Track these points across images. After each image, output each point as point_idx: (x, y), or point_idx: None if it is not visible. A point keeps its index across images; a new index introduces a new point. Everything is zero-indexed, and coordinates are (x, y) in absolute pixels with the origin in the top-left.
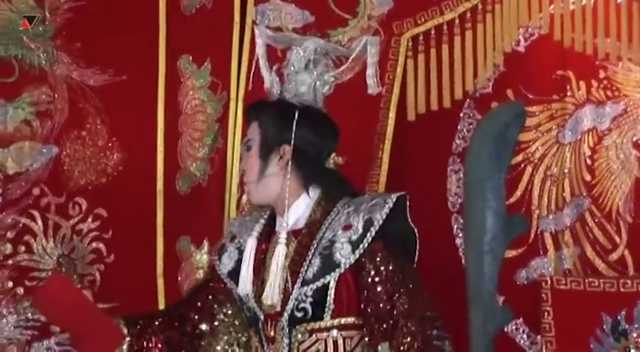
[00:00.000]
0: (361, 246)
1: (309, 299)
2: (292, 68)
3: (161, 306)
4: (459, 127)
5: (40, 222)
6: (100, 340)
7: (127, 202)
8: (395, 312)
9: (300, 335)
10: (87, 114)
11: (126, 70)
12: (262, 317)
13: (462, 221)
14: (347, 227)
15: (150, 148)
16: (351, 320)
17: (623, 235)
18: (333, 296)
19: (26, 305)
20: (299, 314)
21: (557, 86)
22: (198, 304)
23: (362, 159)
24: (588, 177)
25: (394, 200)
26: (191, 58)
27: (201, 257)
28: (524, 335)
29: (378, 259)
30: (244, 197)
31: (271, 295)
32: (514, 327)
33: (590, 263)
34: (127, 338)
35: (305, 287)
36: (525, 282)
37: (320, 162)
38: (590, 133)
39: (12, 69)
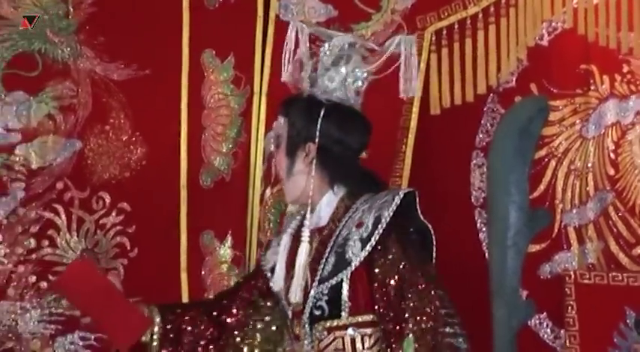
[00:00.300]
0: (369, 244)
1: (325, 298)
2: (322, 65)
3: (184, 301)
4: (482, 122)
5: (63, 216)
6: (124, 325)
7: (151, 196)
8: (406, 309)
9: (319, 334)
10: (110, 108)
11: (149, 64)
12: (290, 314)
13: (485, 215)
14: (359, 224)
15: (173, 143)
16: (368, 318)
17: None
18: (347, 294)
19: (50, 299)
20: (317, 312)
21: (580, 80)
22: (243, 295)
23: (385, 153)
24: (612, 172)
25: (401, 196)
26: (214, 52)
27: (225, 251)
28: (548, 330)
29: (389, 256)
30: (267, 191)
31: (295, 293)
32: (538, 321)
33: (614, 257)
34: (158, 325)
35: (322, 286)
36: (549, 277)
37: (346, 160)
38: (614, 127)
39: (35, 63)
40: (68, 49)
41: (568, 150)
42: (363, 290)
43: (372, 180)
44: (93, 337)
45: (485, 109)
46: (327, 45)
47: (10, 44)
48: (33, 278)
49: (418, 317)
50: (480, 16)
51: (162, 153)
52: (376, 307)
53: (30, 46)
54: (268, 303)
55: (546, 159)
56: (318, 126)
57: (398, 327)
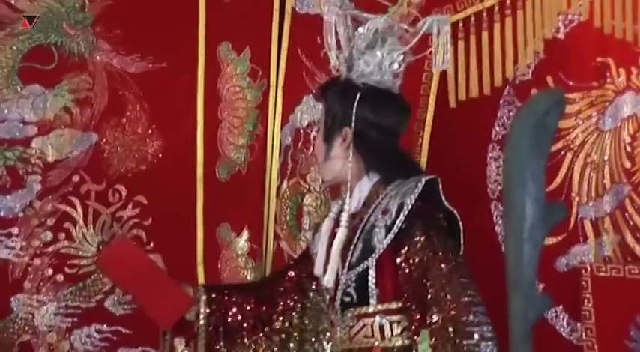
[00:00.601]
0: (392, 231)
1: (353, 285)
2: (357, 48)
3: None
4: (498, 114)
5: (80, 209)
6: (166, 303)
7: (167, 189)
8: (429, 297)
9: (349, 320)
10: (127, 101)
11: (166, 57)
12: (327, 299)
13: (501, 208)
14: (385, 212)
15: (189, 135)
16: (396, 305)
17: None
18: (374, 281)
19: (66, 292)
20: (347, 299)
21: (596, 73)
22: (291, 278)
23: (401, 145)
24: (628, 164)
25: (423, 183)
26: (231, 45)
27: (242, 244)
28: (564, 322)
29: (414, 243)
30: (284, 184)
31: (328, 279)
32: (554, 314)
33: (630, 250)
34: (203, 304)
35: (350, 272)
36: (565, 269)
37: (382, 145)
38: (630, 120)
39: (51, 56)
40: (84, 42)
41: (584, 142)
42: (389, 278)
43: (407, 165)
44: (109, 330)
45: (501, 102)
46: (361, 29)
47: (27, 37)
48: (49, 271)
49: (441, 306)
50: (497, 8)
51: (178, 146)
52: (402, 293)
53: (46, 39)
54: (314, 287)
55: (562, 152)
56: (354, 110)
57: (422, 316)
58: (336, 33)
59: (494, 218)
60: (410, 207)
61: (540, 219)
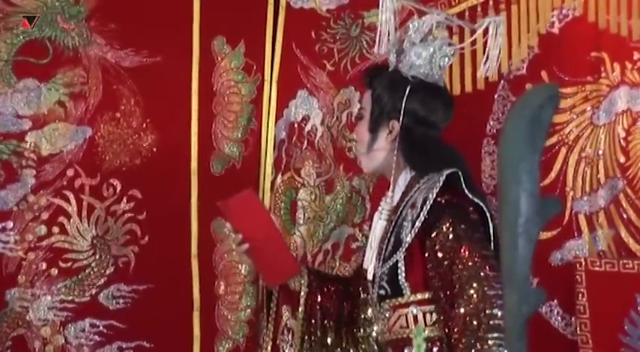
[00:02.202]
0: (415, 226)
1: (386, 278)
2: (409, 40)
3: (196, 288)
4: (493, 109)
5: (74, 203)
6: (277, 264)
7: (161, 183)
8: (455, 289)
9: (385, 312)
10: (121, 95)
11: (160, 51)
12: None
13: (496, 203)
14: (412, 205)
15: (184, 130)
16: (428, 295)
17: None
18: (404, 274)
19: (60, 286)
20: (381, 292)
21: (591, 68)
22: None
23: None
24: (622, 159)
25: (444, 177)
26: (225, 39)
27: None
28: (559, 317)
29: (441, 236)
30: (278, 178)
31: (369, 271)
32: (548, 309)
33: (625, 244)
34: (307, 277)
35: (384, 266)
36: (559, 264)
37: (426, 140)
38: (625, 115)
39: (46, 50)
40: (79, 36)
41: (579, 137)
42: (419, 270)
43: (443, 160)
44: (103, 324)
45: (496, 97)
46: (416, 22)
47: (21, 31)
48: (43, 265)
49: (465, 299)
50: (491, 3)
51: (172, 140)
52: (432, 286)
53: (40, 33)
54: None
55: (557, 147)
56: (403, 104)
57: (450, 308)
58: (388, 21)
59: None
60: (432, 200)
61: (535, 213)
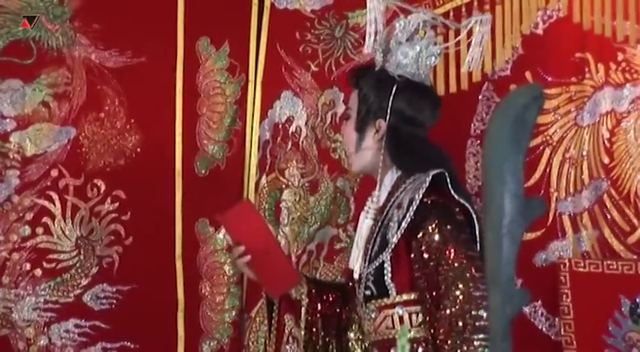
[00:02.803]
0: (401, 227)
1: (372, 278)
2: (396, 39)
3: (180, 288)
4: (477, 110)
5: (58, 203)
6: (277, 274)
7: (146, 184)
8: (441, 290)
9: (371, 312)
10: (105, 96)
11: (144, 51)
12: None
13: (480, 203)
14: (398, 206)
15: (168, 130)
16: (414, 296)
17: None
18: (390, 275)
19: (44, 286)
20: (367, 292)
21: (575, 68)
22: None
23: None
24: (607, 160)
25: (430, 177)
26: (209, 39)
27: (220, 239)
28: (543, 318)
29: (427, 237)
30: (263, 179)
31: (356, 272)
32: (532, 309)
33: (609, 245)
34: (307, 287)
35: (370, 266)
36: (544, 265)
37: (413, 140)
38: (609, 116)
39: (30, 51)
40: (63, 36)
41: (563, 138)
42: (405, 271)
43: (430, 159)
44: (87, 325)
45: (480, 97)
46: (402, 21)
47: (5, 31)
48: (27, 266)
49: (451, 300)
50: (476, 3)
51: (157, 140)
52: (418, 286)
53: (25, 33)
54: None
55: (541, 148)
56: (390, 103)
57: (435, 309)
58: (375, 21)
59: None
60: (418, 201)
61: (519, 214)
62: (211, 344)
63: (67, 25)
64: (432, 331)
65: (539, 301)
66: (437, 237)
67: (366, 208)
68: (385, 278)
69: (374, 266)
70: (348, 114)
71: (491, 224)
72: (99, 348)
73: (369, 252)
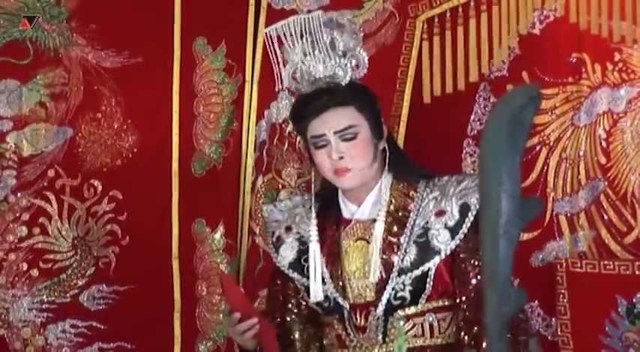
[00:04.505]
0: (461, 232)
1: (408, 288)
2: (339, 50)
3: (176, 289)
4: (474, 110)
5: (55, 204)
6: (262, 335)
7: (142, 184)
8: (473, 293)
9: (395, 322)
10: (102, 96)
11: (141, 52)
12: (348, 306)
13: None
14: (440, 213)
15: (165, 130)
16: (443, 303)
17: (638, 218)
18: (431, 283)
19: (41, 287)
20: (396, 303)
21: (572, 69)
22: (293, 307)
23: None
24: (603, 160)
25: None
26: (206, 40)
27: (217, 239)
28: (539, 318)
29: (470, 242)
30: (259, 179)
31: (373, 276)
32: (529, 310)
33: (606, 246)
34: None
35: (403, 276)
36: (540, 265)
37: (395, 146)
38: (606, 116)
39: (26, 51)
40: (60, 36)
41: (560, 138)
42: (442, 277)
43: (413, 164)
44: (84, 325)
45: (477, 98)
46: (307, 35)
47: (1, 32)
48: (24, 266)
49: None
50: (472, 4)
51: (153, 141)
52: (457, 291)
53: (21, 33)
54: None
55: (538, 148)
56: (378, 110)
57: (473, 313)
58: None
59: None
60: (478, 206)
61: (516, 214)
62: (208, 344)
63: (64, 26)
64: (461, 334)
65: (536, 301)
66: (477, 243)
67: (314, 237)
68: (427, 285)
69: (413, 276)
70: (354, 132)
71: (488, 224)
72: (95, 348)
73: (399, 262)
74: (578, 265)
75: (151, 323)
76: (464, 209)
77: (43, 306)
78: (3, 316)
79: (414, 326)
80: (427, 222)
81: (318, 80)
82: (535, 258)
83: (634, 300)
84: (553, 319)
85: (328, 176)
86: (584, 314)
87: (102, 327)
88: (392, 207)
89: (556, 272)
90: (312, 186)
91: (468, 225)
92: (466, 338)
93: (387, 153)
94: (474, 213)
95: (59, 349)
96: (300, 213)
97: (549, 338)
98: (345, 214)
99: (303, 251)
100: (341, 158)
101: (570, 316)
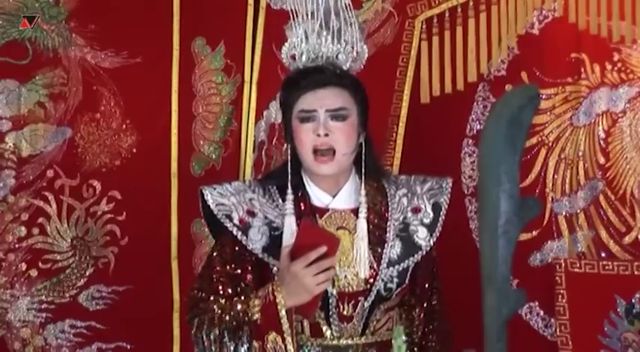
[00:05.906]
0: (437, 230)
1: (396, 280)
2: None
3: (175, 289)
4: (473, 110)
5: (54, 204)
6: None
7: (141, 184)
8: (434, 302)
9: (378, 314)
10: (101, 96)
11: (140, 52)
12: (336, 294)
13: (476, 204)
14: (416, 209)
15: (164, 131)
16: (399, 298)
17: (637, 218)
18: (409, 277)
19: (40, 287)
20: (385, 294)
21: (571, 69)
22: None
23: (376, 141)
24: (602, 160)
25: (450, 185)
26: (205, 40)
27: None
28: (539, 318)
29: (433, 252)
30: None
31: (363, 271)
32: (528, 310)
33: (604, 246)
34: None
35: (391, 268)
36: (539, 265)
37: (371, 142)
38: (605, 116)
39: (26, 51)
40: (59, 36)
41: (559, 138)
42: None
43: (380, 162)
44: (83, 325)
45: (476, 97)
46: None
47: (0, 32)
48: (23, 267)
49: (443, 316)
50: (471, 4)
51: (152, 141)
52: (414, 285)
53: (20, 33)
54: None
55: (537, 148)
56: (365, 106)
57: (424, 314)
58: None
59: (469, 214)
60: (446, 206)
61: (515, 214)
62: None
63: (63, 26)
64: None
65: (535, 301)
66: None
67: (289, 209)
68: (406, 280)
69: (399, 269)
70: (344, 115)
71: (487, 224)
72: (94, 349)
73: (388, 254)
74: (577, 265)
75: (150, 323)
76: (436, 208)
77: (42, 306)
78: (2, 316)
79: (388, 319)
80: (405, 218)
81: (319, 58)
82: (534, 258)
83: (633, 300)
84: (552, 319)
85: (306, 157)
86: (583, 314)
87: (101, 327)
88: (370, 200)
89: (555, 272)
90: (289, 163)
91: (442, 223)
92: (415, 337)
93: (364, 148)
94: (444, 213)
95: (58, 349)
96: (255, 199)
97: (549, 338)
98: (316, 202)
99: (275, 236)
100: (326, 135)
101: (569, 316)
